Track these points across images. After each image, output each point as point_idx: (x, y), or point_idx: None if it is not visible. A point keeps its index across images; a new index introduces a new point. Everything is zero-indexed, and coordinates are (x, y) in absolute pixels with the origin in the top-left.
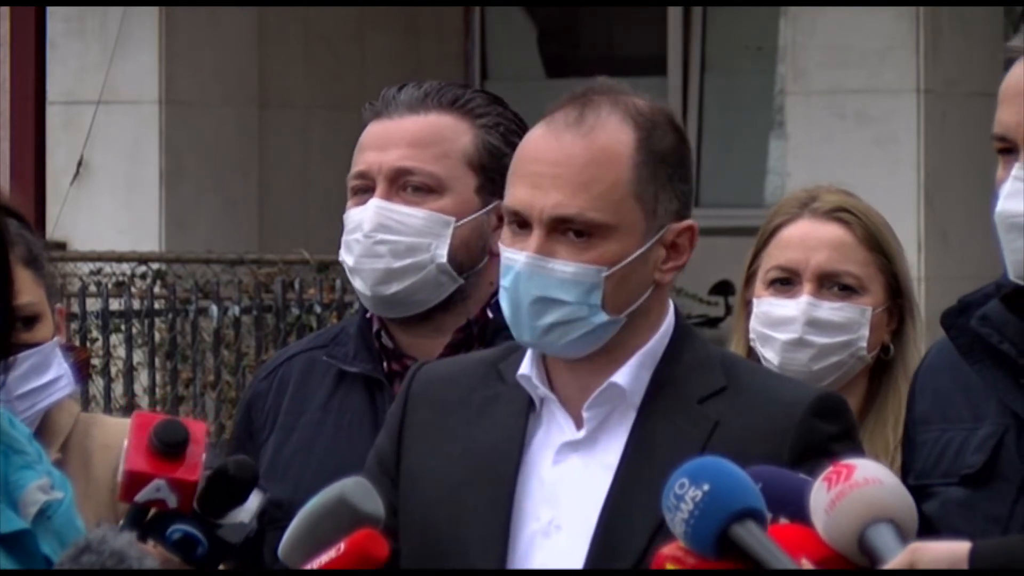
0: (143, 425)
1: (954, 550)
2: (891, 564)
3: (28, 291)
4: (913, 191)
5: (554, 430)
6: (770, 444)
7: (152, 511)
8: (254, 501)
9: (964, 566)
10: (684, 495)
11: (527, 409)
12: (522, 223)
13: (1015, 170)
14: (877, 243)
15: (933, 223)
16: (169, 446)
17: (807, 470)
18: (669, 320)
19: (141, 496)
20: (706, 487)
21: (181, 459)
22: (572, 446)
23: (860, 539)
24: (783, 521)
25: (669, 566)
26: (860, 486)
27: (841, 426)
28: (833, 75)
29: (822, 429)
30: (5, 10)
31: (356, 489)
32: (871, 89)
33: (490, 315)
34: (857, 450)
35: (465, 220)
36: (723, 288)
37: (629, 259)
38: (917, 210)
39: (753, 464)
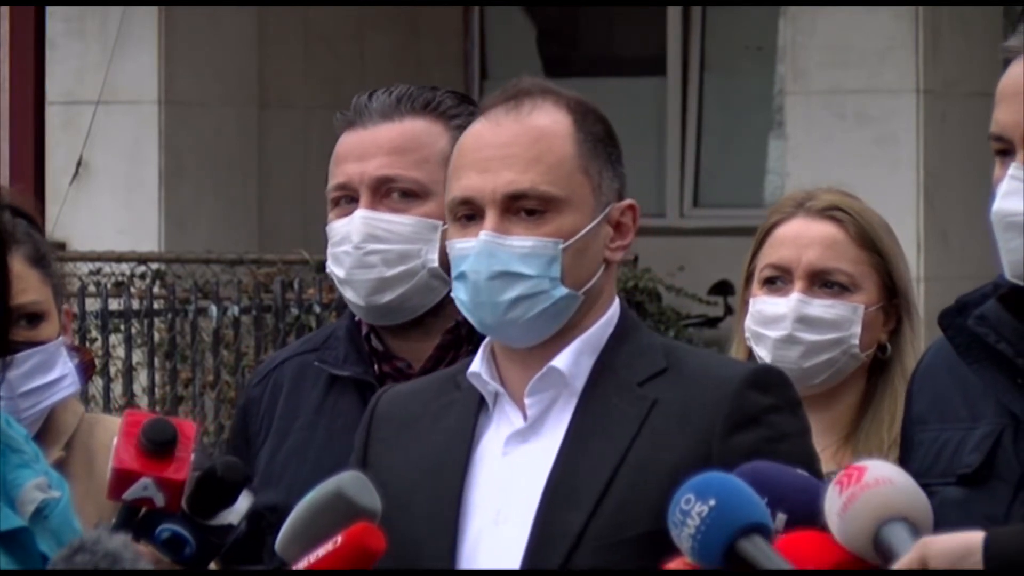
0: (133, 424)
1: (966, 541)
2: (902, 560)
3: (34, 290)
4: (913, 191)
5: (503, 424)
6: (705, 417)
7: (143, 511)
8: (243, 502)
9: (978, 555)
10: (690, 510)
11: (477, 409)
12: (470, 215)
13: (1012, 169)
14: (871, 241)
15: (933, 223)
16: (157, 445)
17: (745, 441)
18: (614, 310)
19: (129, 494)
20: (712, 502)
21: (169, 458)
22: (519, 436)
23: (875, 540)
24: (781, 516)
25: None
26: (871, 487)
27: (778, 398)
28: (833, 75)
29: (757, 400)
30: (5, 10)
31: (353, 483)
32: (871, 89)
33: None
34: (799, 424)
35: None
36: (722, 288)
37: (583, 232)
38: (917, 210)
39: (690, 438)
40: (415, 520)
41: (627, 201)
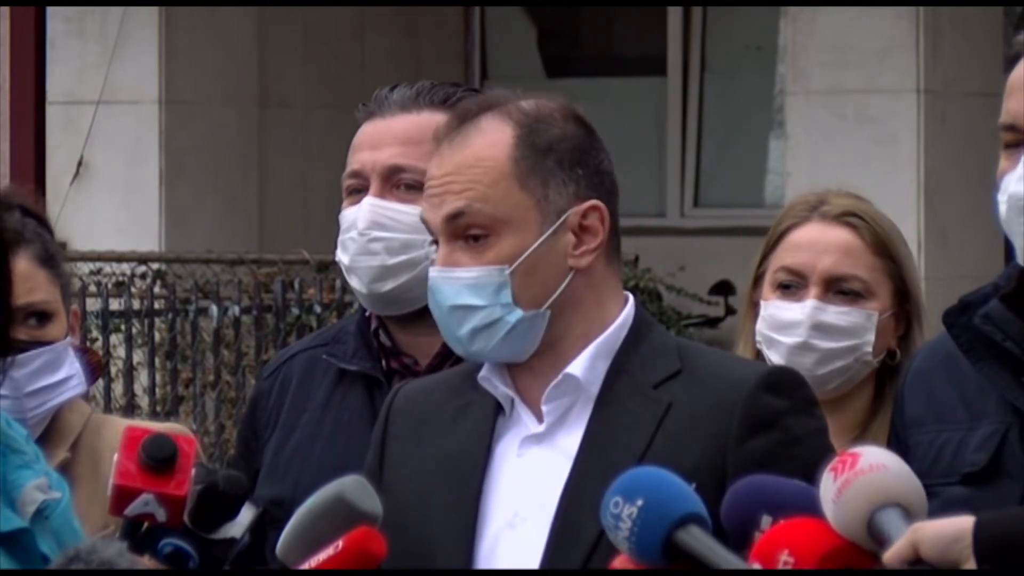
0: (133, 439)
1: (957, 525)
2: (895, 546)
3: (42, 289)
4: (913, 191)
5: (520, 428)
6: (719, 420)
7: (145, 526)
8: (246, 515)
9: (967, 539)
10: (620, 513)
11: (495, 412)
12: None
13: None
14: (885, 248)
15: (933, 223)
16: (157, 461)
17: (759, 445)
18: (627, 312)
19: (130, 510)
20: (640, 502)
21: (170, 474)
22: (534, 439)
23: (869, 525)
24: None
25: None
26: (865, 473)
27: (794, 400)
28: (833, 75)
29: (772, 403)
30: (5, 10)
31: (354, 487)
32: (871, 89)
33: None
34: (815, 424)
35: None
36: (723, 288)
37: (529, 251)
38: (917, 210)
39: (704, 442)
40: (433, 520)
41: (588, 203)
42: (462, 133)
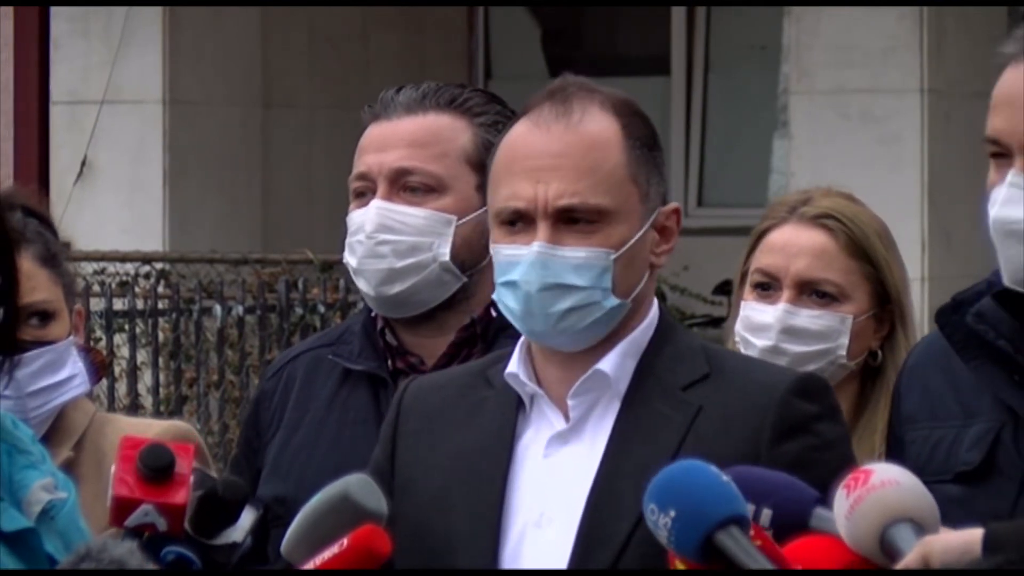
0: (130, 450)
1: (966, 537)
2: (905, 560)
3: (44, 289)
4: (917, 191)
5: (543, 425)
6: (751, 424)
7: (146, 535)
8: (246, 519)
9: (977, 550)
10: (657, 521)
11: (516, 409)
12: (516, 220)
13: (1011, 177)
14: (862, 250)
15: (937, 223)
16: (155, 471)
17: (791, 449)
18: (653, 312)
19: (130, 521)
20: (672, 513)
21: (168, 483)
22: (561, 438)
23: (881, 541)
24: (766, 512)
25: (679, 564)
26: (877, 489)
27: (823, 406)
28: (837, 75)
29: (804, 408)
30: (9, 10)
31: (360, 485)
32: (875, 89)
33: (493, 314)
34: (841, 431)
35: (466, 218)
36: (727, 288)
37: (632, 241)
38: (921, 210)
39: (736, 445)
40: (454, 519)
41: (672, 205)
42: (569, 112)
